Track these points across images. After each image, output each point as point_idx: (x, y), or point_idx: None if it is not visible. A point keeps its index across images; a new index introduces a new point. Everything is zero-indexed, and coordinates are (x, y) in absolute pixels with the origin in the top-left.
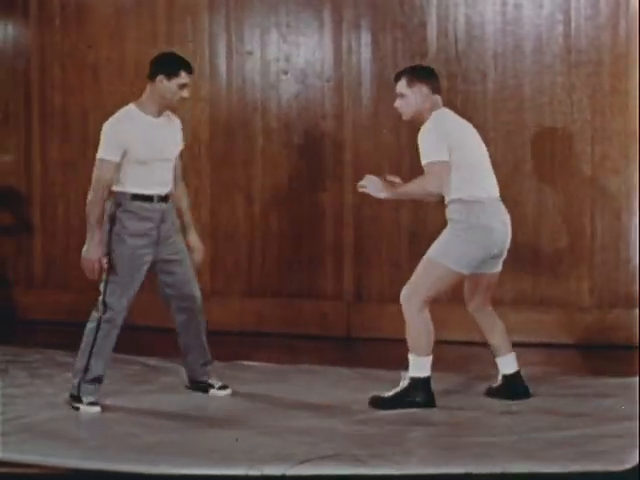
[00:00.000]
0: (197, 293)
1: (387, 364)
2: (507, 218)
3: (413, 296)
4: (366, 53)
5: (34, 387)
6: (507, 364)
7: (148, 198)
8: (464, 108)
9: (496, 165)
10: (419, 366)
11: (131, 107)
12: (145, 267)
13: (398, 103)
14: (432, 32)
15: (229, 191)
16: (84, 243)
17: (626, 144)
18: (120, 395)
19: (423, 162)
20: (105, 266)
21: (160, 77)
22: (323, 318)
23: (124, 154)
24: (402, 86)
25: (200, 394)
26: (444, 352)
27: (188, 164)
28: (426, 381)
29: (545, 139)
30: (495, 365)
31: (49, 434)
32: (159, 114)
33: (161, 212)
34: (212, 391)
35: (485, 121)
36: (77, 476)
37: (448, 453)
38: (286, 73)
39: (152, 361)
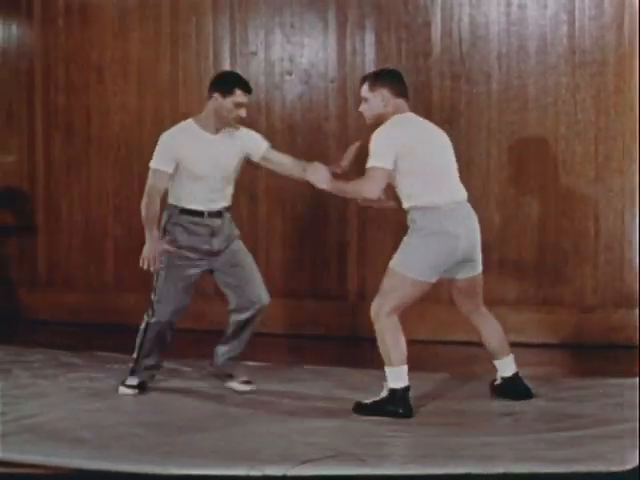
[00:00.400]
0: (263, 295)
1: None
2: (472, 222)
3: (380, 310)
4: (370, 54)
5: (37, 387)
6: (505, 367)
7: (198, 213)
8: (468, 108)
9: (500, 165)
10: (395, 377)
11: (189, 122)
12: (193, 279)
13: (362, 107)
14: (436, 32)
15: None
16: (87, 243)
17: (630, 144)
18: (122, 395)
19: (366, 165)
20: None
21: (216, 94)
22: (327, 318)
23: (177, 167)
24: (365, 90)
25: (201, 394)
26: (444, 352)
27: None
28: (404, 391)
29: (549, 139)
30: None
31: (52, 434)
32: (217, 131)
33: (211, 227)
34: (232, 382)
35: (489, 121)
36: (80, 476)
37: (449, 453)
38: (290, 74)
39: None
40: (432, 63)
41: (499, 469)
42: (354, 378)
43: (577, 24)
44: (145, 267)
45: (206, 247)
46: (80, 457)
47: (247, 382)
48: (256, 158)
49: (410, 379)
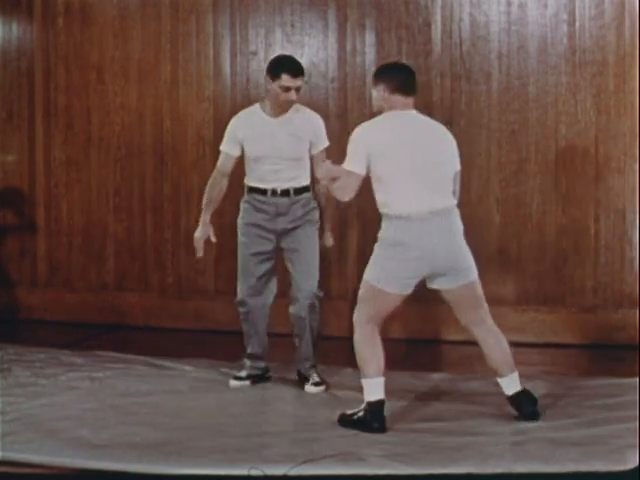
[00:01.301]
0: (308, 288)
1: (390, 364)
2: (442, 236)
3: (357, 319)
4: (370, 53)
5: (38, 387)
6: (508, 385)
7: (262, 191)
8: (468, 108)
9: (500, 165)
10: (370, 390)
11: (255, 106)
12: (261, 257)
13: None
14: (436, 32)
15: (233, 191)
16: (87, 243)
17: (630, 144)
18: (124, 395)
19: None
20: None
21: (267, 78)
22: (327, 318)
23: (242, 149)
24: (372, 85)
25: (201, 394)
26: (444, 352)
27: (192, 164)
28: (379, 404)
29: (549, 139)
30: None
31: (53, 434)
32: (276, 114)
33: (276, 205)
34: (306, 386)
35: (490, 121)
36: (81, 476)
37: (449, 453)
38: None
39: (157, 361)
40: (432, 63)
41: (499, 469)
42: (354, 377)
43: (577, 24)
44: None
45: (270, 225)
46: (80, 457)
47: (318, 384)
48: (312, 152)
49: (410, 379)
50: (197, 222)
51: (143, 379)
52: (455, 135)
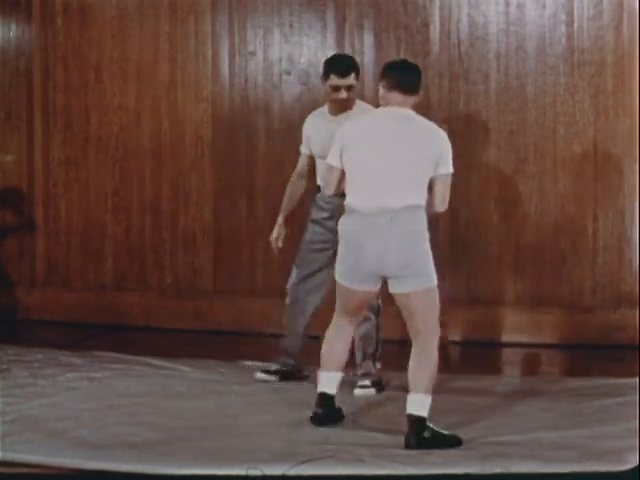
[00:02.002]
0: None
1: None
2: (394, 235)
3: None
4: (369, 54)
5: (37, 387)
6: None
7: (321, 189)
8: (467, 109)
9: (499, 165)
10: (320, 382)
11: (324, 105)
12: (319, 255)
13: None
14: (435, 33)
15: (232, 191)
16: (86, 243)
17: (629, 144)
18: (123, 395)
19: None
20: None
21: (323, 79)
22: (322, 318)
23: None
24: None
25: (199, 395)
26: (444, 352)
27: (191, 164)
28: (318, 396)
29: (548, 139)
30: None
31: (52, 434)
32: (335, 113)
33: (332, 206)
34: (355, 390)
35: (488, 121)
36: (80, 476)
37: (448, 453)
38: (289, 74)
39: (155, 361)
40: (431, 63)
41: (498, 469)
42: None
43: (576, 24)
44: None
45: (330, 224)
46: (80, 457)
47: (364, 386)
48: None
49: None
50: (195, 222)
51: (142, 379)
52: (453, 135)
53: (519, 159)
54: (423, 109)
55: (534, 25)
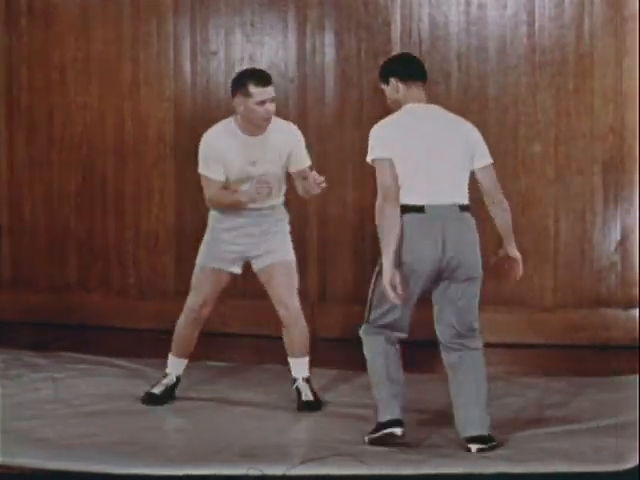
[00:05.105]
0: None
1: (352, 366)
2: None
3: None
4: (330, 53)
5: (1, 388)
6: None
7: None
8: None
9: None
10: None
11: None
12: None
13: None
14: (396, 32)
15: (194, 191)
16: (50, 243)
17: (591, 144)
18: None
19: None
20: None
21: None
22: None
23: None
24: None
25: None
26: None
27: (153, 164)
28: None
29: (509, 139)
30: None
31: (17, 435)
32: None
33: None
34: None
35: None
36: (42, 476)
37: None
38: None
39: (119, 361)
40: None
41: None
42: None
43: (537, 24)
44: None
45: None
46: (42, 457)
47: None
48: None
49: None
50: (158, 222)
51: (105, 380)
52: None
53: None
54: (384, 108)
55: (495, 25)
